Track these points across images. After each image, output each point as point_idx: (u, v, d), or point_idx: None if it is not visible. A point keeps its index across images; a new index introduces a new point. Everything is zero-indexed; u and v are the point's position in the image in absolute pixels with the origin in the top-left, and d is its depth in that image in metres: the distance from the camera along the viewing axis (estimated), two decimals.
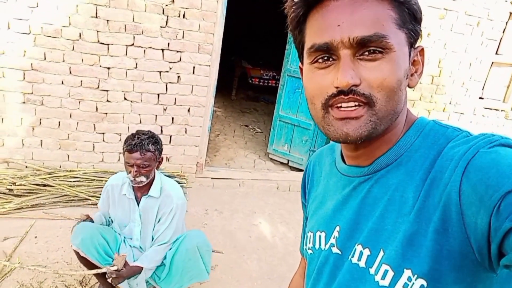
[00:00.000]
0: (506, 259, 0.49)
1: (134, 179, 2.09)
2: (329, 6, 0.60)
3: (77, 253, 2.15)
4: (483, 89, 4.77)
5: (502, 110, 4.92)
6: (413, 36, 0.63)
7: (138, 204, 2.24)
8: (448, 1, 4.13)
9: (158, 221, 2.24)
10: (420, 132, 0.66)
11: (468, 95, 4.66)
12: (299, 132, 4.58)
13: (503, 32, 4.52)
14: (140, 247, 2.32)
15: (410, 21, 0.61)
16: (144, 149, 2.05)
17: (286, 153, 4.75)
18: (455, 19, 4.23)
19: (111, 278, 1.97)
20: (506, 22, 4.47)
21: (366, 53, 0.59)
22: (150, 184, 2.21)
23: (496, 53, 4.61)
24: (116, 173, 2.43)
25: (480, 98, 4.79)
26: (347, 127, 0.61)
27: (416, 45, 0.66)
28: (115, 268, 1.95)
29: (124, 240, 2.34)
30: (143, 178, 2.10)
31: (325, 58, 0.62)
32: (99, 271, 2.09)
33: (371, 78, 0.59)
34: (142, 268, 2.13)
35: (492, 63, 4.64)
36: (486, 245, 0.51)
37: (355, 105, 0.60)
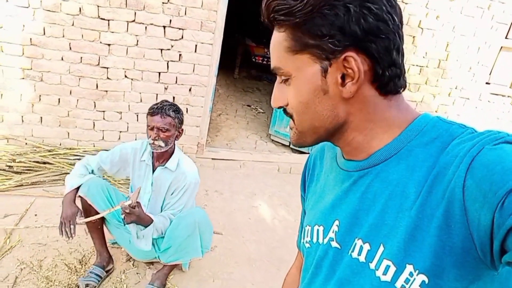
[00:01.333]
0: (508, 256, 0.49)
1: (153, 143, 2.15)
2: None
3: (85, 204, 2.22)
4: (490, 74, 4.69)
5: (508, 96, 4.85)
6: (325, 49, 0.61)
7: (153, 173, 2.30)
8: None
9: (171, 194, 2.32)
10: (423, 127, 0.65)
11: (474, 80, 4.58)
12: None
13: None
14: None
15: (315, 38, 0.62)
16: (165, 113, 2.15)
17: (288, 135, 4.70)
18: (466, 1, 4.11)
19: (124, 214, 2.02)
20: None
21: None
22: (169, 156, 2.28)
23: (506, 38, 4.51)
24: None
25: (487, 83, 4.71)
26: (291, 132, 0.73)
27: (340, 54, 0.61)
28: (129, 202, 2.00)
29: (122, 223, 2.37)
30: (161, 143, 2.16)
31: None
32: (111, 210, 2.14)
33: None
34: (152, 221, 2.17)
35: (501, 47, 4.54)
36: (488, 242, 0.51)
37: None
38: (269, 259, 2.83)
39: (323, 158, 0.86)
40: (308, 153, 4.59)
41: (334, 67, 0.63)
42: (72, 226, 2.12)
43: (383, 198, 0.64)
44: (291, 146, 4.74)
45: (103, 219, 2.35)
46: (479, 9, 4.18)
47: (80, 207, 2.20)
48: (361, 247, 0.66)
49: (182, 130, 2.31)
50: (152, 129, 2.16)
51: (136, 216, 2.04)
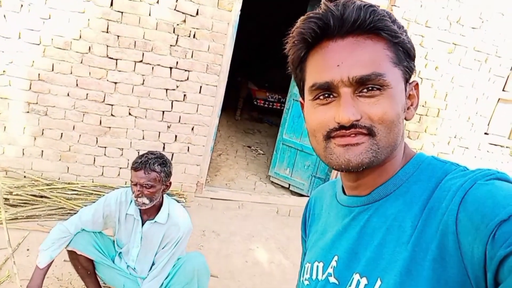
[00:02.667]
0: None
1: (136, 200, 2.02)
2: (328, 47, 0.64)
3: (72, 254, 2.14)
4: (488, 124, 4.76)
5: (507, 147, 4.89)
6: (408, 72, 0.67)
7: (142, 225, 2.18)
8: (457, 36, 4.15)
9: (163, 248, 2.18)
10: (419, 165, 0.68)
11: (473, 130, 4.63)
12: (302, 157, 4.55)
13: (511, 70, 4.53)
14: (134, 268, 2.28)
15: (405, 58, 0.66)
16: (149, 168, 2.00)
17: (288, 177, 4.71)
18: (464, 54, 4.24)
19: None
20: None
21: (365, 90, 0.63)
22: (157, 209, 2.15)
23: (503, 90, 4.61)
24: (115, 188, 2.37)
25: (485, 133, 4.77)
26: (348, 153, 0.63)
27: (411, 80, 0.70)
28: None
29: (119, 255, 2.31)
30: (145, 200, 2.02)
31: (326, 95, 0.65)
32: None
33: (371, 112, 0.62)
34: None
35: (499, 99, 4.64)
36: (483, 275, 0.51)
37: (356, 133, 0.63)
38: None
39: (323, 198, 0.88)
40: (307, 195, 4.56)
41: (407, 90, 0.68)
42: None
43: (381, 232, 0.65)
44: (291, 188, 4.72)
45: (93, 263, 2.25)
46: (476, 62, 4.31)
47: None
48: (359, 282, 0.65)
49: (170, 183, 2.16)
50: (135, 185, 2.01)
51: None
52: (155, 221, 2.14)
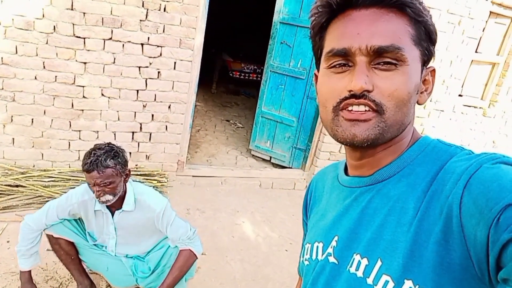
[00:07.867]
0: (503, 272, 0.49)
1: (99, 199, 1.94)
2: (351, 15, 0.64)
3: (52, 239, 2.11)
4: (462, 86, 4.83)
5: (480, 107, 5.00)
6: (427, 54, 0.66)
7: (112, 217, 2.13)
8: None
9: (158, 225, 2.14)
10: (424, 148, 0.68)
11: (448, 92, 4.70)
12: (282, 129, 4.53)
13: (483, 31, 4.57)
14: (125, 254, 2.28)
15: (426, 40, 0.65)
16: (102, 166, 1.86)
17: (269, 150, 4.70)
18: (437, 17, 4.24)
19: None
20: (486, 21, 4.51)
21: (381, 63, 0.62)
22: (122, 199, 2.07)
23: (476, 51, 4.67)
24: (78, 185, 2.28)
25: (460, 95, 4.85)
26: (355, 128, 0.63)
27: (428, 65, 0.69)
28: None
29: (97, 245, 2.28)
30: (108, 197, 1.94)
31: (342, 64, 0.65)
32: None
33: (383, 86, 0.61)
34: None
35: (472, 61, 4.70)
36: (485, 259, 0.51)
37: (365, 110, 0.62)
38: (255, 278, 2.78)
39: (324, 180, 0.88)
40: (289, 167, 4.58)
41: (423, 73, 0.67)
42: None
43: (382, 213, 0.65)
44: (272, 161, 4.73)
45: (75, 248, 2.22)
46: (450, 24, 4.32)
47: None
48: (359, 262, 0.65)
49: (129, 170, 2.07)
50: (93, 186, 1.90)
51: None
52: (123, 210, 2.09)
